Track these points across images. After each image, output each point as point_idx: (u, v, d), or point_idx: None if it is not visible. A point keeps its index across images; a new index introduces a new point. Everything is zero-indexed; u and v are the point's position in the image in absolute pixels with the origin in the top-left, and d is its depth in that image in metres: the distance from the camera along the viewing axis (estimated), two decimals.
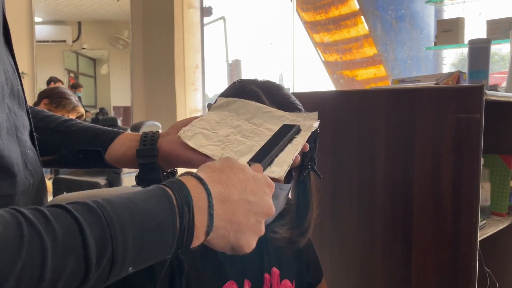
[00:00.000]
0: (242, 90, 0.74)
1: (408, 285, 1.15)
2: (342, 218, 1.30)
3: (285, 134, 0.63)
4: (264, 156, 0.57)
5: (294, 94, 0.80)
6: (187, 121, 0.68)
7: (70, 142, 0.67)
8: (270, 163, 0.57)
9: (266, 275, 0.81)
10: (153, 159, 0.64)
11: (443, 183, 1.07)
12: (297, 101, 0.75)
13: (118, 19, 4.26)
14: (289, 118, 0.68)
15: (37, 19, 3.93)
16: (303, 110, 0.75)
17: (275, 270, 0.83)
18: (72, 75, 4.78)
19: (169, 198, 0.41)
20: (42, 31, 4.04)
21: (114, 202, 0.38)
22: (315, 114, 0.71)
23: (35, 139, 0.55)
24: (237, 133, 0.65)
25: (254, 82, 0.76)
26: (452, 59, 2.57)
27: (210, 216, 0.43)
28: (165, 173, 0.68)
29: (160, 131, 0.68)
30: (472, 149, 1.02)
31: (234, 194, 0.46)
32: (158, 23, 3.68)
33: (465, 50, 1.41)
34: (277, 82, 0.79)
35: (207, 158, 0.62)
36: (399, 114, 1.16)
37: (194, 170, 0.47)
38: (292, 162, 0.60)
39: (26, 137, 0.51)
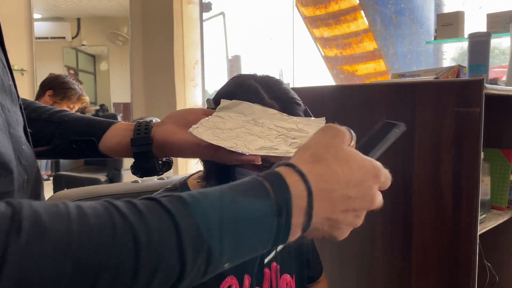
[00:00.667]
0: (241, 85, 0.74)
1: (408, 279, 1.15)
2: None
3: (388, 131, 0.56)
4: (368, 151, 0.51)
5: (294, 89, 0.80)
6: (184, 112, 0.68)
7: (64, 132, 0.67)
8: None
9: (266, 270, 0.82)
10: (148, 148, 0.64)
11: (443, 177, 1.07)
12: (296, 96, 0.75)
13: (117, 15, 4.25)
14: (296, 121, 0.68)
15: (36, 15, 3.92)
16: (302, 104, 0.75)
17: (275, 265, 0.83)
18: (72, 71, 4.77)
19: (267, 194, 0.38)
20: (41, 28, 4.03)
21: (209, 194, 0.37)
22: (322, 120, 0.71)
23: (28, 134, 0.54)
24: (247, 129, 0.66)
25: (253, 77, 0.76)
26: (453, 53, 2.56)
27: (309, 216, 0.40)
28: (160, 162, 0.68)
29: (154, 120, 0.68)
30: (472, 143, 1.02)
31: (336, 191, 0.42)
32: (157, 19, 3.67)
33: (465, 44, 1.41)
34: (277, 77, 0.78)
35: (198, 146, 0.63)
36: (399, 108, 1.16)
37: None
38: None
39: (20, 132, 0.50)
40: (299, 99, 0.75)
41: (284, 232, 0.39)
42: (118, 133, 0.67)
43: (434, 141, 1.08)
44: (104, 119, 0.70)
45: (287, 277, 0.85)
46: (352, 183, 0.43)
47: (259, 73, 0.78)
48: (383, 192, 0.48)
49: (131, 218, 0.32)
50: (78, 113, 0.75)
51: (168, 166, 0.71)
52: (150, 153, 0.65)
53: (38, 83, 3.76)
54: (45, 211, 0.29)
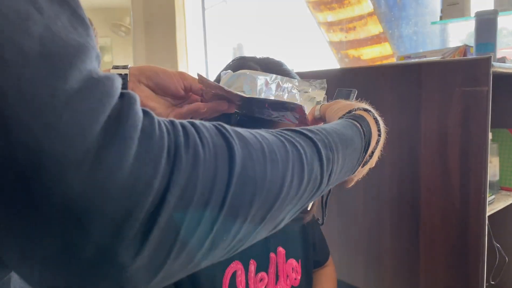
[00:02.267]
0: (241, 67, 0.72)
1: (416, 262, 1.14)
2: (348, 196, 1.29)
3: (347, 98, 0.68)
4: None
5: (298, 73, 0.78)
6: (163, 80, 0.65)
7: None
8: None
9: (272, 255, 0.81)
10: None
11: (451, 158, 1.05)
12: (297, 77, 0.74)
13: (119, 6, 4.23)
14: (296, 85, 0.68)
15: None
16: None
17: (281, 250, 0.83)
18: None
19: (359, 131, 0.50)
20: None
21: (326, 128, 0.46)
22: (323, 82, 0.70)
23: None
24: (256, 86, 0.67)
25: (253, 59, 0.74)
26: (460, 34, 2.51)
27: (372, 153, 0.54)
28: None
29: (129, 66, 0.63)
30: (479, 123, 1.00)
31: (382, 139, 0.57)
32: (159, 8, 3.65)
33: (472, 24, 1.38)
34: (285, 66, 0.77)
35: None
36: (404, 89, 1.14)
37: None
38: None
39: None
40: (296, 75, 0.74)
41: (360, 162, 0.51)
42: None
43: (441, 122, 1.06)
44: None
45: (293, 261, 0.84)
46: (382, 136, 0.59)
47: (259, 55, 0.77)
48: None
49: (290, 138, 0.39)
50: None
51: None
52: None
53: None
54: (238, 129, 0.36)
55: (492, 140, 1.26)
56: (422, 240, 1.13)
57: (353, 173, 0.51)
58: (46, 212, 0.24)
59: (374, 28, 3.02)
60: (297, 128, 0.42)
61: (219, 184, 0.30)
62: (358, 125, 0.51)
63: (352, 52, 3.25)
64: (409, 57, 1.56)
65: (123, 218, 0.26)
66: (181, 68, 3.46)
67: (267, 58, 0.75)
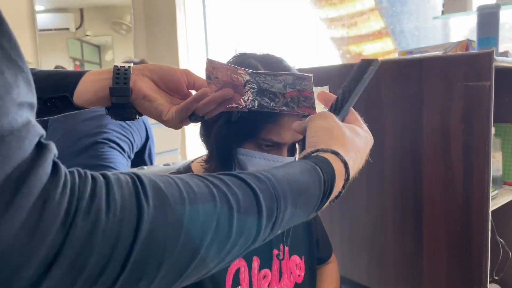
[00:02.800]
0: (241, 64, 0.72)
1: (420, 258, 1.14)
2: (351, 193, 1.29)
3: (362, 72, 0.61)
4: (340, 107, 0.59)
5: (300, 70, 0.78)
6: (166, 72, 0.64)
7: (36, 92, 0.66)
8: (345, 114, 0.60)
9: (275, 251, 0.81)
10: (127, 100, 0.62)
11: (453, 153, 1.05)
12: (298, 73, 0.74)
13: (120, 4, 4.23)
14: (284, 81, 0.66)
15: (39, 7, 3.91)
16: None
17: (284, 246, 0.83)
18: (77, 63, 4.77)
19: (319, 177, 0.46)
20: (44, 20, 4.02)
21: (274, 173, 0.43)
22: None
23: None
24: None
25: (253, 55, 0.74)
26: (462, 29, 2.50)
27: (339, 194, 0.51)
28: (136, 112, 0.65)
29: (132, 64, 0.64)
30: (482, 118, 1.00)
31: (356, 167, 0.54)
32: (159, 6, 3.64)
33: (475, 18, 1.37)
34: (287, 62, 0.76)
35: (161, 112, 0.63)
36: (406, 85, 1.13)
37: None
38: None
39: None
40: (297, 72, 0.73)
41: (319, 207, 0.47)
42: (93, 85, 0.63)
43: (443, 117, 1.06)
44: (73, 71, 0.67)
45: (296, 258, 0.84)
46: (362, 153, 0.55)
47: (260, 51, 0.77)
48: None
49: (223, 188, 0.37)
50: (49, 69, 0.72)
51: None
52: (128, 105, 0.62)
53: None
54: (159, 180, 0.34)
55: (495, 135, 1.26)
56: (426, 236, 1.13)
57: (310, 216, 0.48)
58: None
59: (376, 23, 3.01)
60: (242, 174, 0.40)
61: (119, 251, 0.29)
62: (318, 170, 0.46)
63: (354, 48, 3.24)
64: (410, 52, 1.55)
65: (4, 286, 0.26)
66: (182, 64, 3.46)
67: (268, 55, 0.75)
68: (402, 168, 1.16)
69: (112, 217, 0.29)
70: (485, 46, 1.31)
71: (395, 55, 2.87)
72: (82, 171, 0.31)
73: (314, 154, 0.49)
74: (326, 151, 0.50)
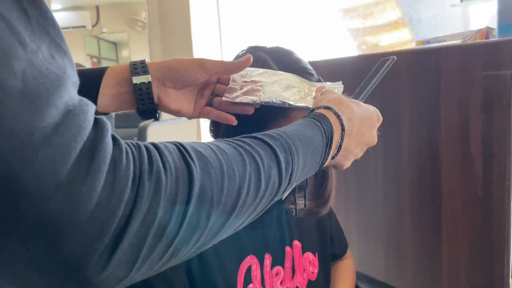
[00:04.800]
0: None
1: (438, 254, 1.11)
2: (367, 187, 1.26)
3: (379, 69, 0.67)
4: (359, 94, 0.64)
5: (312, 63, 0.76)
6: (180, 73, 0.65)
7: None
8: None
9: (288, 248, 0.80)
10: (154, 116, 0.66)
11: (473, 145, 1.01)
12: (309, 66, 0.72)
13: (135, 1, 4.24)
14: (315, 85, 0.67)
15: (56, 6, 3.96)
16: (315, 74, 0.71)
17: (297, 243, 0.81)
18: (94, 60, 4.82)
19: (320, 129, 0.51)
20: (61, 18, 4.07)
21: (285, 130, 0.48)
22: (339, 84, 0.68)
23: None
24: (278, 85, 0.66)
25: (262, 48, 0.72)
26: (483, 17, 2.42)
27: (339, 147, 0.54)
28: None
29: (149, 75, 0.63)
30: (502, 108, 0.96)
31: (354, 129, 0.56)
32: (173, 1, 3.64)
33: (496, 6, 1.32)
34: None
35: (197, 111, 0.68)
36: (423, 76, 1.10)
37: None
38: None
39: None
40: (311, 68, 0.72)
41: (325, 158, 0.52)
42: (116, 98, 0.63)
43: (462, 108, 1.02)
44: (93, 71, 0.65)
45: (309, 255, 0.82)
46: (364, 121, 0.57)
47: (271, 44, 0.75)
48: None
49: (247, 148, 0.42)
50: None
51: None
52: (154, 112, 0.67)
53: None
54: (197, 146, 0.39)
55: None
56: (444, 231, 1.10)
57: (319, 168, 0.52)
58: (22, 231, 0.28)
59: (392, 13, 2.95)
60: (258, 135, 0.45)
61: (179, 206, 0.34)
62: (318, 123, 0.51)
63: (370, 39, 3.18)
64: (428, 42, 1.51)
65: (89, 242, 0.29)
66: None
67: (277, 47, 0.73)
68: (420, 161, 1.13)
69: (170, 176, 0.34)
70: (506, 33, 1.26)
71: (412, 45, 2.80)
72: (134, 142, 0.35)
73: (311, 114, 0.55)
74: (319, 108, 0.56)
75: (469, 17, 2.47)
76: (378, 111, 0.61)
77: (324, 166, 0.53)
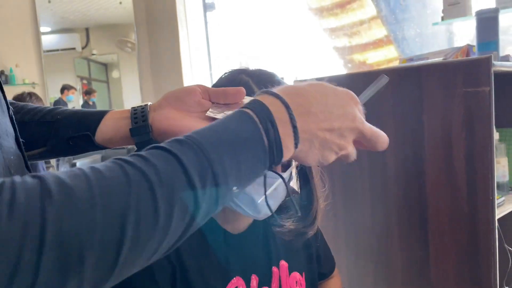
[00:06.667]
0: (233, 80, 0.72)
1: (426, 268, 1.12)
2: (355, 205, 1.27)
3: (375, 83, 0.61)
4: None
5: (298, 82, 0.77)
6: (181, 94, 0.63)
7: (58, 131, 0.65)
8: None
9: (274, 269, 0.80)
10: (148, 136, 0.62)
11: (456, 160, 1.03)
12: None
13: (124, 22, 4.28)
14: None
15: (45, 29, 3.97)
16: None
17: (284, 263, 0.81)
18: (85, 81, 4.83)
19: (249, 116, 0.42)
20: (51, 41, 4.08)
21: (199, 131, 0.40)
22: None
23: (21, 144, 0.54)
24: None
25: (244, 71, 0.74)
26: (467, 34, 2.48)
27: (294, 128, 0.43)
28: None
29: (149, 103, 0.64)
30: (483, 124, 0.98)
31: (314, 106, 0.45)
32: (162, 22, 3.68)
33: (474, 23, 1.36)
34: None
35: None
36: (406, 93, 1.12)
37: None
38: None
39: (10, 143, 0.50)
40: None
41: (276, 145, 0.42)
42: (114, 123, 0.64)
43: (445, 125, 1.04)
44: (96, 110, 0.67)
45: (296, 275, 0.82)
46: (330, 101, 0.46)
47: (253, 67, 0.76)
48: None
49: (138, 164, 0.35)
50: (72, 108, 0.73)
51: None
52: (151, 141, 0.62)
53: (50, 96, 3.82)
54: (65, 175, 0.33)
55: (499, 140, 1.24)
56: (432, 246, 1.10)
57: (280, 159, 0.43)
58: None
59: (378, 31, 3.01)
60: (163, 144, 0.38)
61: (28, 255, 0.29)
62: (245, 110, 0.43)
63: (357, 57, 3.23)
64: (411, 59, 1.54)
65: None
66: (186, 81, 3.48)
67: (259, 70, 0.74)
68: (406, 178, 1.14)
69: (16, 222, 0.29)
70: (485, 50, 1.29)
71: (397, 63, 2.85)
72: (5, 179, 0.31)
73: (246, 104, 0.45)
74: (259, 94, 0.46)
75: (453, 34, 2.52)
76: (352, 92, 0.50)
77: (291, 157, 0.44)
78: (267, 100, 0.44)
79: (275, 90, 0.45)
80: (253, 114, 0.42)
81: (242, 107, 0.43)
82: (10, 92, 3.46)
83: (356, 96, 0.51)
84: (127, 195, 0.33)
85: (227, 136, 0.40)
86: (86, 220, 0.31)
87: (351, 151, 0.49)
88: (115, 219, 0.32)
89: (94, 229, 0.31)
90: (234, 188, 0.40)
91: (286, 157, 0.43)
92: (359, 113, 0.49)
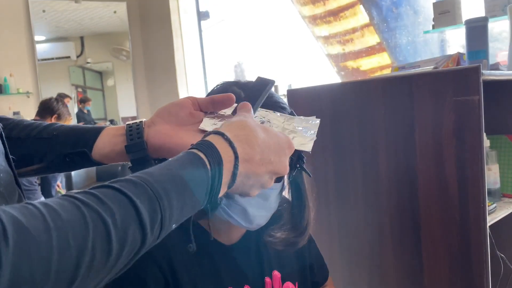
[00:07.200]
0: (225, 92, 0.72)
1: (420, 276, 1.12)
2: (348, 213, 1.28)
3: (263, 88, 0.66)
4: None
5: (291, 91, 0.78)
6: (173, 108, 0.64)
7: (55, 147, 0.66)
8: None
9: (267, 279, 0.80)
10: (144, 153, 0.63)
11: (447, 168, 1.04)
12: (281, 100, 0.74)
13: (119, 31, 4.29)
14: (293, 123, 0.68)
15: (40, 37, 3.97)
16: (287, 108, 0.73)
17: (276, 273, 0.82)
18: (79, 89, 4.82)
19: (203, 163, 0.45)
20: (45, 49, 4.08)
21: (154, 173, 0.43)
22: (314, 119, 0.69)
23: (11, 160, 0.54)
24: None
25: (236, 83, 0.74)
26: (460, 41, 2.50)
27: (234, 175, 0.48)
28: (156, 162, 0.64)
29: (144, 119, 0.65)
30: (474, 132, 0.99)
31: (257, 154, 0.51)
32: (156, 31, 3.69)
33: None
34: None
35: None
36: (397, 102, 1.13)
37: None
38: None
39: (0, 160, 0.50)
40: (284, 102, 0.74)
41: (216, 190, 0.46)
42: (110, 140, 0.65)
43: (435, 133, 1.05)
44: (93, 126, 0.68)
45: (289, 284, 0.83)
46: (271, 148, 0.52)
47: (244, 79, 0.77)
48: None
49: (96, 206, 0.36)
50: (68, 124, 0.74)
51: None
52: (146, 157, 0.63)
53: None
54: (21, 214, 0.33)
55: (490, 147, 1.25)
56: (425, 253, 1.11)
57: (213, 199, 0.47)
58: None
59: (371, 38, 3.03)
60: (117, 184, 0.40)
61: None
62: (200, 155, 0.46)
63: (351, 64, 3.25)
64: (403, 67, 1.55)
65: None
66: (181, 89, 3.49)
67: (251, 82, 0.75)
68: (397, 185, 1.15)
69: None
70: (475, 59, 1.31)
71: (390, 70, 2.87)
72: None
73: (197, 143, 0.49)
74: (209, 134, 0.50)
75: (445, 41, 2.55)
76: (290, 139, 0.57)
77: (221, 195, 0.48)
78: (221, 146, 0.48)
79: (227, 131, 0.50)
80: (206, 160, 0.46)
81: (197, 149, 0.47)
82: (4, 101, 3.45)
83: (291, 142, 0.57)
84: (84, 239, 0.34)
85: (180, 181, 0.43)
86: (42, 262, 0.32)
87: (270, 185, 0.55)
88: (70, 260, 0.33)
89: (49, 270, 0.32)
90: (173, 225, 0.43)
91: (217, 197, 0.48)
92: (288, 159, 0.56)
